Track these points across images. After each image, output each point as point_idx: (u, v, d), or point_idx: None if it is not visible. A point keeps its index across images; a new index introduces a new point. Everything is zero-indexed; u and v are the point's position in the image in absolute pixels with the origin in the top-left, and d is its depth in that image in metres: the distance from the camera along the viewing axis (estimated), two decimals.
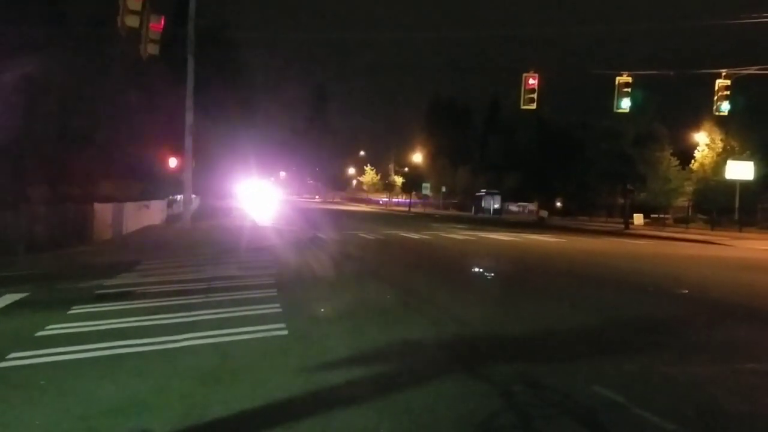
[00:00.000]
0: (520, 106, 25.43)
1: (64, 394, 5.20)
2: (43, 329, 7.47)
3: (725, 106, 24.51)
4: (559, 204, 62.14)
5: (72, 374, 5.78)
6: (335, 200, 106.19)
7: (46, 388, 5.36)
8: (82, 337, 7.08)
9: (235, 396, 5.19)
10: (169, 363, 6.16)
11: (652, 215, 48.39)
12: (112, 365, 6.07)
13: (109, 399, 5.08)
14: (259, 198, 73.17)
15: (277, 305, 9.19)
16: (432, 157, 77.89)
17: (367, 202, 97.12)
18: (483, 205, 65.68)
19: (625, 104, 24.69)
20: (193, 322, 7.95)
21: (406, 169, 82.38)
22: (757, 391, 5.79)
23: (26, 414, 4.77)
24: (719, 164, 46.29)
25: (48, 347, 6.64)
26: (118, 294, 10.07)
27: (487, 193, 66.19)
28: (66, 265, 14.06)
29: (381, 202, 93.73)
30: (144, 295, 9.93)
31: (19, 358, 6.23)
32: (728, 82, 24.31)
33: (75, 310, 8.64)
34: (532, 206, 64.79)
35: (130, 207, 23.49)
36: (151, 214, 27.85)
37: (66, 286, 11.12)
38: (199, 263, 14.46)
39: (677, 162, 48.41)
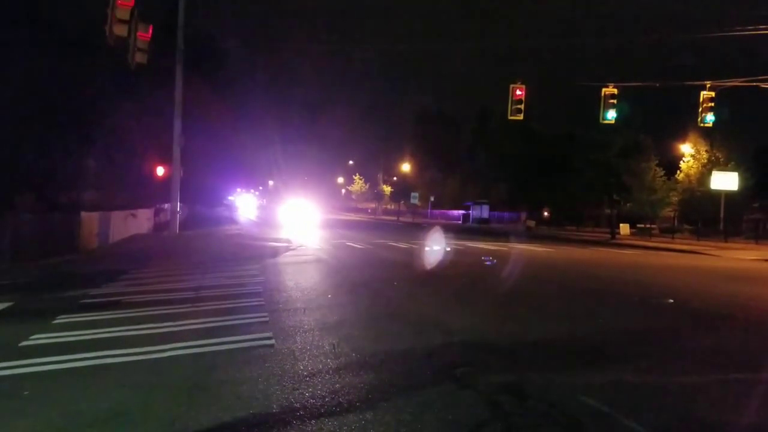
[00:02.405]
0: (507, 116, 25.66)
1: (47, 405, 5.16)
2: (27, 339, 7.41)
3: (710, 118, 24.84)
4: (546, 214, 62.45)
5: (56, 385, 5.73)
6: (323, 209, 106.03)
7: (30, 399, 5.31)
8: (67, 347, 7.03)
9: (221, 407, 5.16)
10: (155, 373, 6.12)
11: (638, 225, 48.76)
12: (96, 375, 6.03)
13: (93, 410, 5.04)
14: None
15: (264, 315, 9.17)
16: (421, 166, 78.20)
17: (356, 211, 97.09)
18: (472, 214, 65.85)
19: (611, 115, 24.95)
20: (179, 331, 7.91)
21: (395, 178, 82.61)
22: (742, 401, 5.83)
23: (9, 425, 4.73)
24: (704, 175, 46.84)
25: (32, 357, 6.59)
26: (103, 303, 10.01)
27: (475, 203, 66.39)
28: (51, 274, 13.94)
29: (369, 210, 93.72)
30: (130, 305, 9.86)
31: (2, 368, 6.17)
32: (713, 93, 24.65)
33: (60, 320, 8.57)
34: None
35: (116, 216, 23.35)
36: (138, 222, 27.70)
37: (51, 295, 11.04)
38: (186, 272, 14.39)
39: (663, 173, 48.92)
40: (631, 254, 26.80)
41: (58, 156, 21.52)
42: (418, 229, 48.29)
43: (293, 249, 22.33)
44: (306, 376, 6.08)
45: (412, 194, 77.64)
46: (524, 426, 4.96)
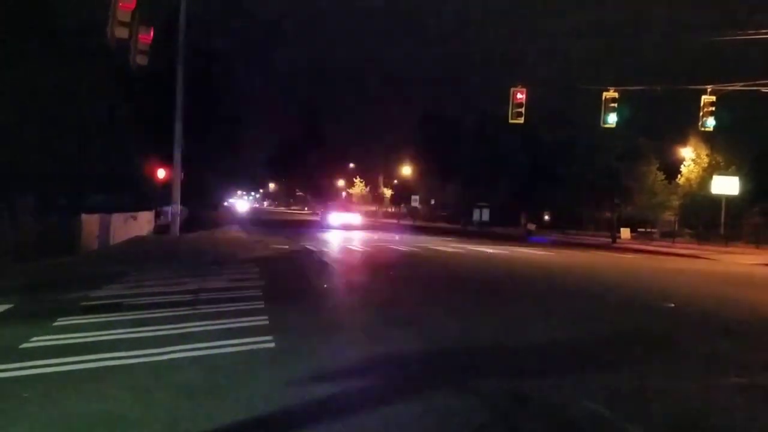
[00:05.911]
0: (508, 120, 25.66)
1: (47, 408, 5.14)
2: (27, 341, 7.38)
3: (710, 122, 24.85)
4: (546, 217, 62.39)
5: (56, 387, 5.71)
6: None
7: (29, 402, 5.29)
8: (67, 350, 7.00)
9: (221, 410, 5.15)
10: (155, 376, 6.10)
11: (639, 229, 48.73)
12: (97, 378, 6.00)
13: (93, 413, 5.02)
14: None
15: (265, 317, 9.14)
16: (421, 169, 78.13)
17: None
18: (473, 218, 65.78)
19: (612, 119, 24.93)
20: (180, 334, 7.89)
21: (396, 181, 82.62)
22: (743, 406, 5.82)
23: (8, 427, 4.71)
24: (705, 179, 46.83)
25: (32, 359, 6.56)
26: (104, 306, 9.98)
27: (475, 206, 66.31)
28: (52, 275, 13.92)
29: (369, 214, 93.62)
30: (130, 307, 9.84)
31: (2, 371, 6.14)
32: (713, 98, 24.65)
33: (60, 322, 8.55)
34: None
35: (117, 218, 23.33)
36: (139, 224, 27.67)
37: (52, 297, 11.01)
38: (186, 275, 14.36)
39: (663, 176, 48.87)
40: (632, 258, 26.78)
41: (58, 158, 21.52)
42: (418, 232, 48.24)
43: (294, 252, 22.28)
44: (306, 380, 6.06)
45: (413, 197, 77.64)
46: (526, 430, 4.95)
